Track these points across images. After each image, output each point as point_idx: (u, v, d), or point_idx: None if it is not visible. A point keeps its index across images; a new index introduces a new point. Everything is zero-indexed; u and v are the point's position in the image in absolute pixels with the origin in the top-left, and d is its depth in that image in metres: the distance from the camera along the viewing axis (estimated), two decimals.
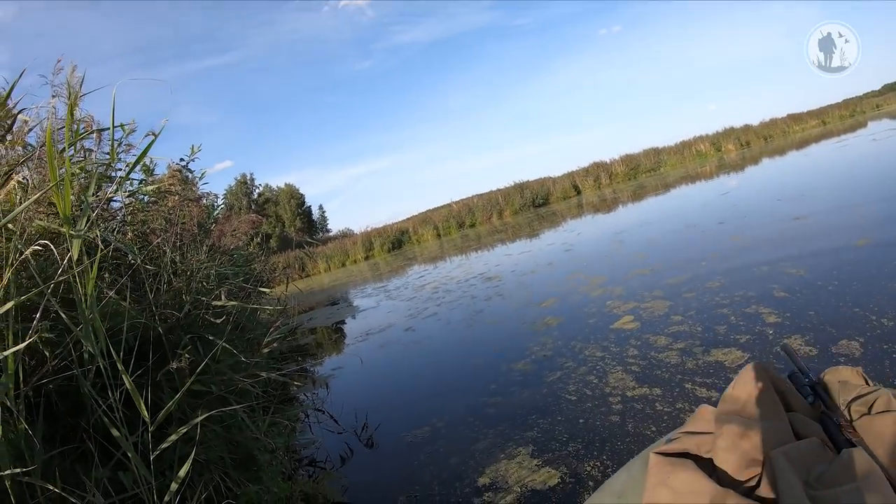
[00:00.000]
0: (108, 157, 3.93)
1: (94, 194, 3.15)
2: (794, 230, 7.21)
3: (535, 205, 33.56)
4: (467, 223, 33.55)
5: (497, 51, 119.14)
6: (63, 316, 2.02)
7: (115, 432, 1.94)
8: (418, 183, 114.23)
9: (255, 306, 3.35)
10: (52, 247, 2.07)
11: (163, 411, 1.99)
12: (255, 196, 54.70)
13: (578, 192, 35.07)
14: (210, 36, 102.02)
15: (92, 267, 2.03)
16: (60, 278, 2.06)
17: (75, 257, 2.02)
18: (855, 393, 1.43)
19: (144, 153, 3.35)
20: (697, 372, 3.74)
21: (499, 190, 37.07)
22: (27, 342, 1.83)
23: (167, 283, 3.11)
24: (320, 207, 60.86)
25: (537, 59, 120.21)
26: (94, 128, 3.75)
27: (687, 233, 9.54)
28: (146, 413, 1.95)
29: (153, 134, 3.78)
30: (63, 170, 2.48)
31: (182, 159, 5.71)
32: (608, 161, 37.63)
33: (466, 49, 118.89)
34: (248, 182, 54.67)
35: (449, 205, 37.85)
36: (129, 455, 1.92)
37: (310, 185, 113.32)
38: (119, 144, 4.14)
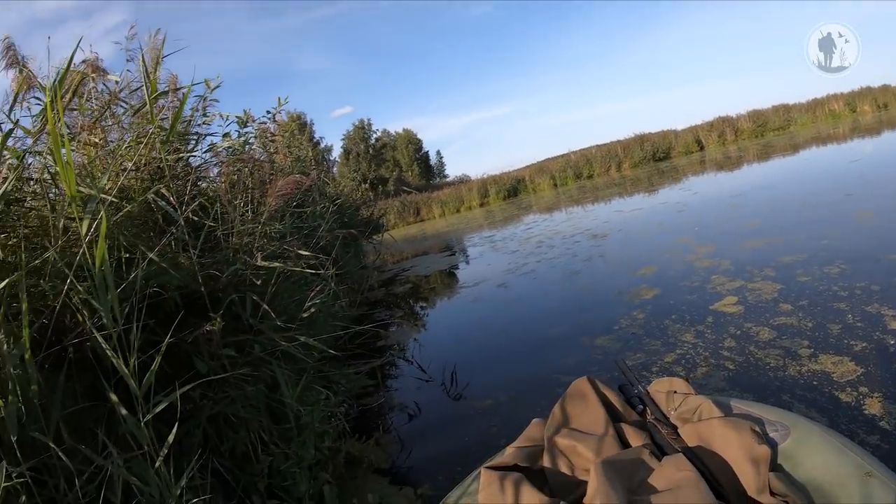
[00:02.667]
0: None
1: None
2: None
3: (655, 158, 32.12)
4: (585, 174, 32.67)
5: None
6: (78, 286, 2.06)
7: (112, 397, 2.01)
8: (536, 131, 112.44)
9: (298, 269, 3.24)
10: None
11: (144, 380, 2.00)
12: (373, 141, 55.20)
13: (701, 148, 33.17)
14: None
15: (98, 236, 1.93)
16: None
17: (83, 231, 1.97)
18: (680, 402, 1.58)
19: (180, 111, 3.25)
20: (799, 383, 3.19)
21: (618, 141, 35.48)
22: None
23: (220, 242, 3.06)
24: (438, 153, 61.12)
25: (663, 4, 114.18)
26: (178, 86, 3.77)
27: (810, 202, 8.61)
28: (134, 384, 1.98)
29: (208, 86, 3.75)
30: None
31: (268, 111, 5.61)
32: (734, 116, 34.98)
33: None
34: (366, 128, 55.06)
35: (567, 155, 37.03)
36: (125, 418, 1.99)
37: (428, 130, 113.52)
38: (203, 101, 4.15)
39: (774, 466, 1.32)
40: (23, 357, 1.88)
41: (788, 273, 5.16)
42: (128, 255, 2.45)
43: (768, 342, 3.80)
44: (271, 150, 6.43)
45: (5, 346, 1.85)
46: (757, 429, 1.37)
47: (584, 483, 1.33)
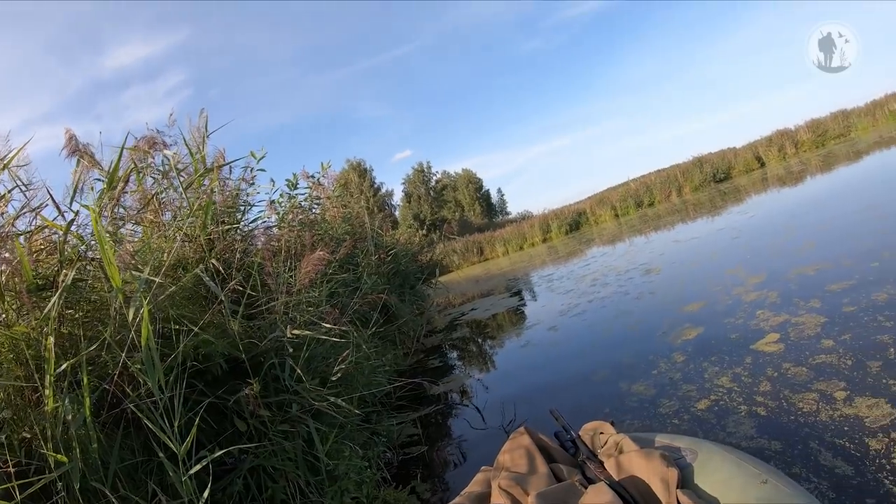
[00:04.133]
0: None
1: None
2: None
3: (715, 180, 31.73)
4: (645, 202, 32.60)
5: (668, 16, 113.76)
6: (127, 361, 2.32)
7: (160, 455, 2.27)
8: (596, 161, 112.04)
9: (326, 336, 3.46)
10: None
11: (184, 445, 2.23)
12: (433, 183, 56.12)
13: (762, 165, 32.54)
14: (380, 33, 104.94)
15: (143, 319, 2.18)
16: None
17: (129, 318, 2.22)
18: (606, 440, 1.90)
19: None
20: (830, 428, 3.13)
21: (677, 165, 35.44)
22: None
23: (262, 310, 3.33)
24: (499, 191, 61.69)
25: (711, 22, 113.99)
26: (225, 160, 4.05)
27: (867, 217, 8.33)
28: (173, 444, 2.23)
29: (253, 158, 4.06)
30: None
31: (313, 175, 5.93)
32: (792, 128, 34.35)
33: (638, 18, 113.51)
34: (425, 170, 56.31)
35: (626, 183, 37.05)
36: (171, 474, 2.26)
37: (488, 168, 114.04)
38: (250, 171, 4.45)
39: (685, 484, 1.60)
40: (84, 420, 2.20)
41: (834, 303, 5.06)
42: (177, 327, 2.71)
43: (804, 384, 3.75)
44: (323, 208, 6.73)
45: (70, 414, 2.16)
46: (667, 455, 1.65)
47: None
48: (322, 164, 6.20)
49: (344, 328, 3.81)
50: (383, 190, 53.03)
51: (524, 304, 11.65)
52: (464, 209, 54.72)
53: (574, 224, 33.70)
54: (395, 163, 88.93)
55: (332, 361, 3.60)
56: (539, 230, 33.39)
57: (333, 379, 3.42)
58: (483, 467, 1.96)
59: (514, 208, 62.62)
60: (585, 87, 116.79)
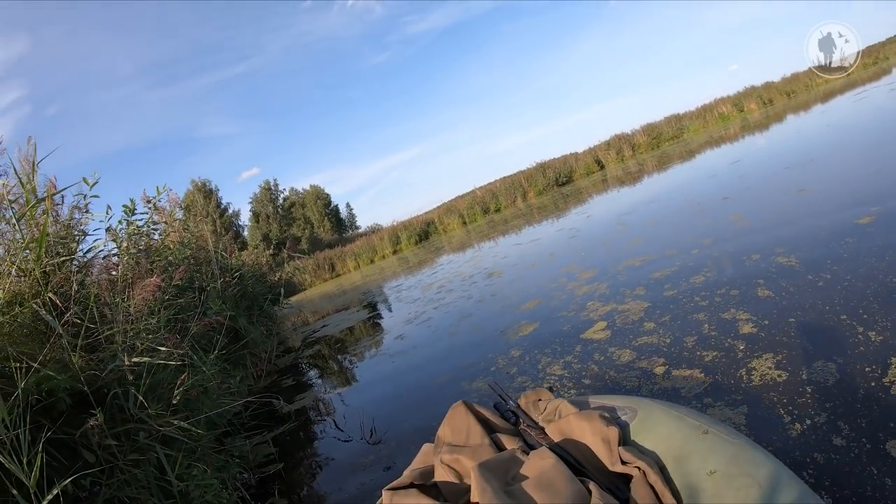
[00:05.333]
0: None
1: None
2: (795, 206, 6.86)
3: (558, 184, 33.54)
4: (492, 208, 33.65)
5: (511, 31, 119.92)
6: None
7: (14, 491, 2.23)
8: (444, 171, 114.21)
9: (167, 362, 3.44)
10: None
11: (31, 477, 2.19)
12: (281, 201, 55.13)
13: (602, 167, 34.96)
14: (225, 46, 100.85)
15: None
16: None
17: None
18: (545, 407, 1.94)
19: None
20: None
21: (521, 172, 36.83)
22: None
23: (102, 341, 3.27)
24: (347, 205, 61.66)
25: (551, 36, 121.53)
26: (57, 189, 3.91)
27: (689, 211, 9.25)
28: (24, 478, 2.19)
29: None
30: None
31: (149, 200, 5.78)
32: (629, 132, 37.26)
33: (480, 32, 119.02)
34: (273, 188, 55.28)
35: (473, 191, 37.86)
36: None
37: (339, 183, 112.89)
38: (84, 198, 4.30)
39: (626, 441, 1.67)
40: None
41: (657, 289, 5.55)
42: (17, 364, 2.64)
43: (627, 364, 4.10)
44: (164, 233, 6.58)
45: None
46: (606, 415, 1.73)
47: (468, 486, 1.63)
48: (157, 187, 6.06)
49: (181, 352, 3.77)
50: (230, 210, 51.56)
51: (375, 316, 11.75)
52: (313, 226, 53.96)
53: (423, 234, 34.06)
54: (243, 181, 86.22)
55: (175, 386, 3.57)
56: (389, 242, 33.40)
57: (174, 403, 3.40)
58: (425, 444, 1.97)
59: (364, 222, 62.52)
60: (430, 99, 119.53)
